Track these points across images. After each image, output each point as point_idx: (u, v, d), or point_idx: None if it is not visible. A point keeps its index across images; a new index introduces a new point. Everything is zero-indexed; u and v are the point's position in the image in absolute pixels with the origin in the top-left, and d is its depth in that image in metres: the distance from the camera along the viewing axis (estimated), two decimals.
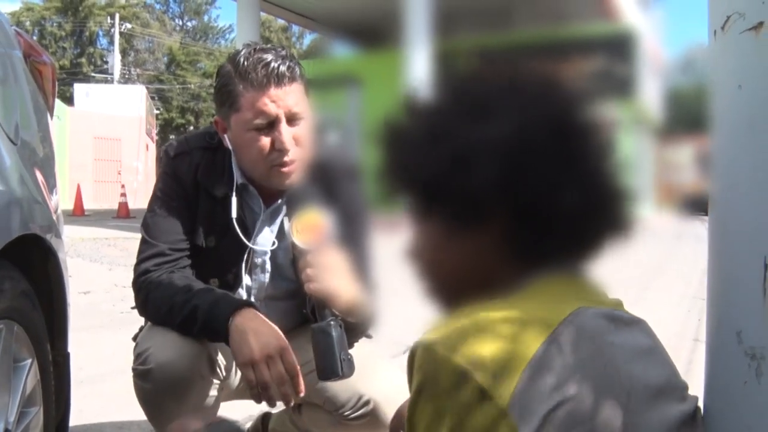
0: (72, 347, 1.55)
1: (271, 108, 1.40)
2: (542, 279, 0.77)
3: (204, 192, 1.53)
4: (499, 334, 0.70)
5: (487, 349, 0.69)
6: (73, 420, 1.61)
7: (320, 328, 1.34)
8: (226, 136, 1.50)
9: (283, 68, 1.40)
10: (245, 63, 1.40)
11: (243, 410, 2.14)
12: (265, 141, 1.41)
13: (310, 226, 1.36)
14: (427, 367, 0.71)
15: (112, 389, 2.57)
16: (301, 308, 1.54)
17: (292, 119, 1.42)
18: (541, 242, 0.77)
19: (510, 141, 0.75)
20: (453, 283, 0.83)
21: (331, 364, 1.32)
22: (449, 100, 0.82)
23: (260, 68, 1.39)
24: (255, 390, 1.32)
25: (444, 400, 0.70)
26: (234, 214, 1.49)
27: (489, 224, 0.77)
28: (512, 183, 0.75)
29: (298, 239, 1.36)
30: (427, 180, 0.80)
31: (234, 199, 1.50)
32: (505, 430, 0.67)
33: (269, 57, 1.41)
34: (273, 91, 1.39)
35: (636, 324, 0.79)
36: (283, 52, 1.45)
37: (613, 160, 0.79)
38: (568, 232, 0.77)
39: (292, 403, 1.37)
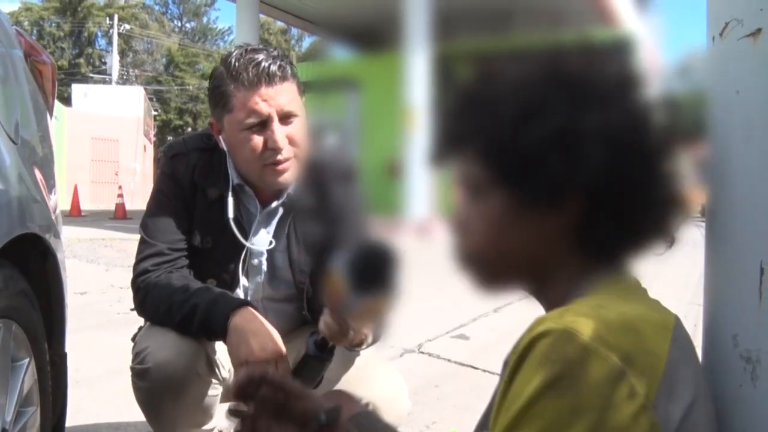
0: (68, 348, 1.55)
1: (263, 107, 1.40)
2: (607, 282, 0.77)
3: (201, 193, 1.53)
4: (640, 332, 0.69)
5: (634, 346, 0.67)
6: (69, 421, 1.60)
7: (319, 360, 1.32)
8: (221, 137, 1.50)
9: (273, 67, 1.40)
10: (236, 64, 1.41)
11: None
12: (258, 140, 1.42)
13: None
14: (573, 358, 0.66)
15: (108, 390, 2.57)
16: (300, 311, 1.55)
17: (284, 118, 1.43)
18: (611, 237, 0.76)
19: (618, 132, 0.73)
20: (502, 261, 0.81)
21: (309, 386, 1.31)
22: (547, 79, 0.78)
23: (251, 68, 1.40)
24: None
25: (589, 395, 0.65)
26: (231, 214, 1.49)
27: (565, 209, 0.75)
28: (608, 173, 0.73)
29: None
30: (515, 153, 0.76)
31: (230, 200, 1.50)
32: (645, 423, 0.65)
33: (260, 57, 1.41)
34: (264, 90, 1.40)
35: None
36: (275, 52, 1.45)
37: (677, 167, 0.77)
38: (636, 231, 0.77)
39: None
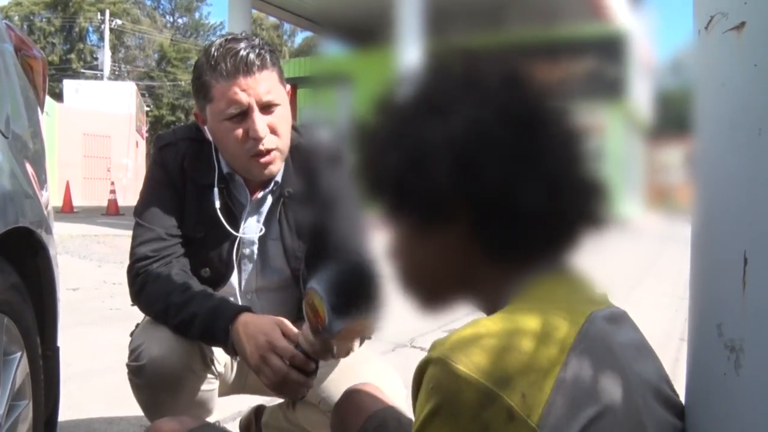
0: (61, 344, 1.55)
1: (242, 97, 1.40)
2: (536, 280, 0.76)
3: (191, 182, 1.53)
4: (522, 349, 0.67)
5: (512, 366, 0.66)
6: (62, 416, 1.61)
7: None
8: (206, 127, 1.50)
9: (252, 56, 1.39)
10: (216, 54, 1.41)
11: (234, 405, 2.15)
12: (239, 130, 1.41)
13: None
14: (447, 387, 0.67)
15: (101, 385, 2.57)
16: (296, 297, 1.55)
17: (265, 107, 1.42)
18: (511, 239, 0.75)
19: (464, 138, 0.73)
20: (428, 281, 0.82)
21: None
22: (411, 98, 0.80)
23: (229, 58, 1.39)
24: (276, 392, 1.32)
25: (466, 422, 0.66)
26: (218, 203, 1.49)
27: (454, 223, 0.76)
28: (469, 181, 0.73)
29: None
30: (392, 181, 0.78)
31: (216, 189, 1.50)
32: None
33: (239, 46, 1.40)
34: (242, 80, 1.39)
35: (623, 318, 0.79)
36: (256, 41, 1.44)
37: (583, 153, 0.77)
38: (539, 228, 0.75)
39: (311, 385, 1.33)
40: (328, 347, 1.25)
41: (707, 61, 0.78)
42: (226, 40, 1.44)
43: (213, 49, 1.42)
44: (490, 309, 0.80)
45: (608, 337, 0.73)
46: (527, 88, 0.78)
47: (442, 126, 0.74)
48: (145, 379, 1.39)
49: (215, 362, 1.49)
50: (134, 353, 1.42)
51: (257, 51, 1.41)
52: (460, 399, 0.66)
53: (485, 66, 0.79)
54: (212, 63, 1.40)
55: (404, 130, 0.77)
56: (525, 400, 0.65)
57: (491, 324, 0.71)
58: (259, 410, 1.85)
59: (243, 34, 1.48)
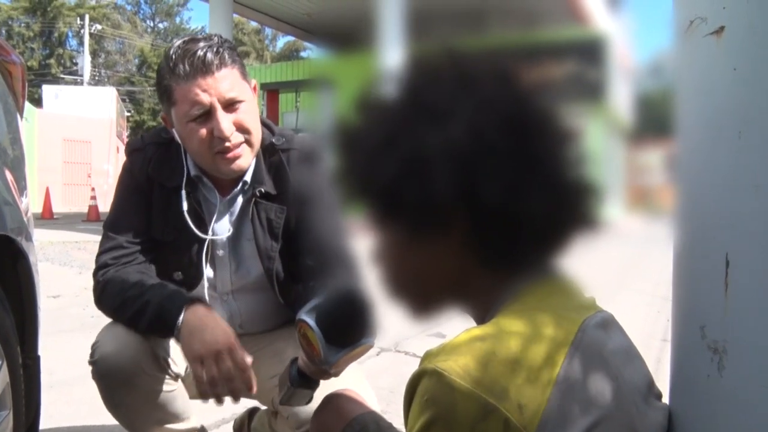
0: (42, 351, 1.53)
1: (203, 98, 1.39)
2: (527, 286, 0.75)
3: (158, 186, 1.53)
4: (517, 360, 0.67)
5: (508, 376, 0.66)
6: (43, 424, 1.59)
7: (307, 388, 1.30)
8: (174, 130, 1.49)
9: (210, 55, 1.39)
10: (174, 56, 1.40)
11: (219, 413, 2.13)
12: (204, 131, 1.41)
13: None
14: (442, 399, 0.66)
15: (82, 394, 2.54)
16: (273, 300, 1.54)
17: (228, 105, 1.41)
18: (508, 245, 0.74)
19: (463, 144, 0.72)
20: (419, 288, 0.81)
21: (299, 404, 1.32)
22: (401, 101, 0.77)
23: (187, 59, 1.38)
24: (203, 386, 1.30)
25: None
26: (185, 206, 1.49)
27: (450, 230, 0.75)
28: (470, 188, 0.72)
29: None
30: (382, 187, 0.76)
31: (183, 192, 1.50)
32: None
33: (196, 47, 1.39)
34: (202, 80, 1.38)
35: (611, 321, 0.79)
36: (214, 39, 1.43)
37: (576, 154, 0.76)
38: (536, 233, 0.74)
39: (239, 401, 1.33)
40: (325, 372, 1.25)
41: (687, 65, 0.79)
42: (184, 41, 1.43)
43: (171, 52, 1.41)
44: (481, 315, 0.79)
45: (601, 346, 0.73)
46: (522, 90, 0.77)
47: (440, 132, 0.72)
48: (98, 375, 1.40)
49: (171, 363, 1.48)
50: (92, 349, 1.43)
51: (215, 49, 1.40)
52: (456, 411, 0.66)
53: (477, 67, 0.78)
54: (171, 66, 1.39)
55: (396, 134, 0.74)
56: (522, 411, 0.65)
57: (484, 334, 0.70)
58: (252, 412, 1.84)
59: (201, 35, 1.46)
